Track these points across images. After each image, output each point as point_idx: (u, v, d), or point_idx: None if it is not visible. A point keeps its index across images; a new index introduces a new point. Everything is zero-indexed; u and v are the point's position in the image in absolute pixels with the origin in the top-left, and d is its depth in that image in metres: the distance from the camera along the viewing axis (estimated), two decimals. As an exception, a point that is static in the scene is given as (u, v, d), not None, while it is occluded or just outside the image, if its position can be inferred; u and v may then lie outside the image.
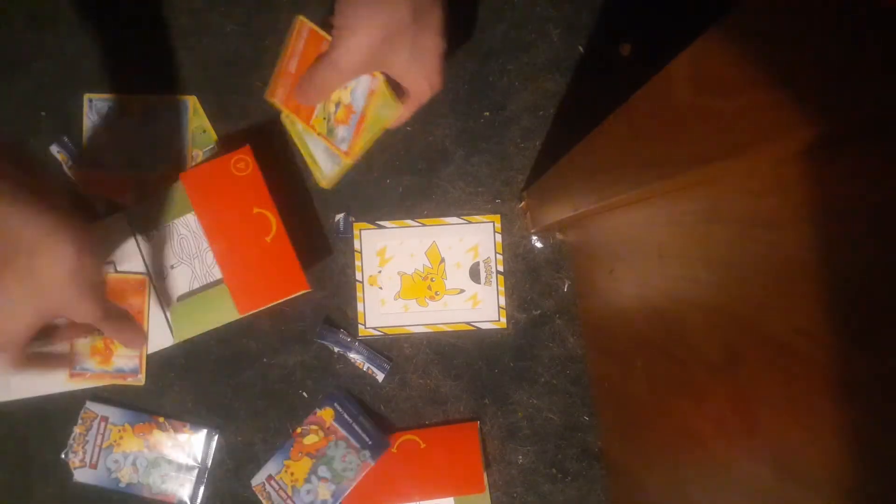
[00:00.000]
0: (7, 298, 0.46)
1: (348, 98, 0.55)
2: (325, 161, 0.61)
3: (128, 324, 0.56)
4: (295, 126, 0.61)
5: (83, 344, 0.62)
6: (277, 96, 0.59)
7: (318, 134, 0.59)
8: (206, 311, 0.69)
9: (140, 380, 0.67)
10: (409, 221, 0.74)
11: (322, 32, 0.54)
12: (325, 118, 0.57)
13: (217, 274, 0.70)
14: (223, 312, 0.69)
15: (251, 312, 0.67)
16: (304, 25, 0.55)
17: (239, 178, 0.66)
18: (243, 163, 0.66)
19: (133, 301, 0.66)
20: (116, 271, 0.66)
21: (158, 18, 0.75)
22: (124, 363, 0.66)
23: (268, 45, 0.74)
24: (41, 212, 0.46)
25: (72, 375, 0.61)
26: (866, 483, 0.26)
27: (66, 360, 0.66)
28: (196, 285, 0.70)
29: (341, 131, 0.57)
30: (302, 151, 0.62)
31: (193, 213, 0.69)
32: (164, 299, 0.69)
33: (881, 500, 0.26)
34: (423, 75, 0.51)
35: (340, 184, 0.65)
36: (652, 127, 0.39)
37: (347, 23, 0.46)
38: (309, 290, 0.67)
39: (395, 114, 0.56)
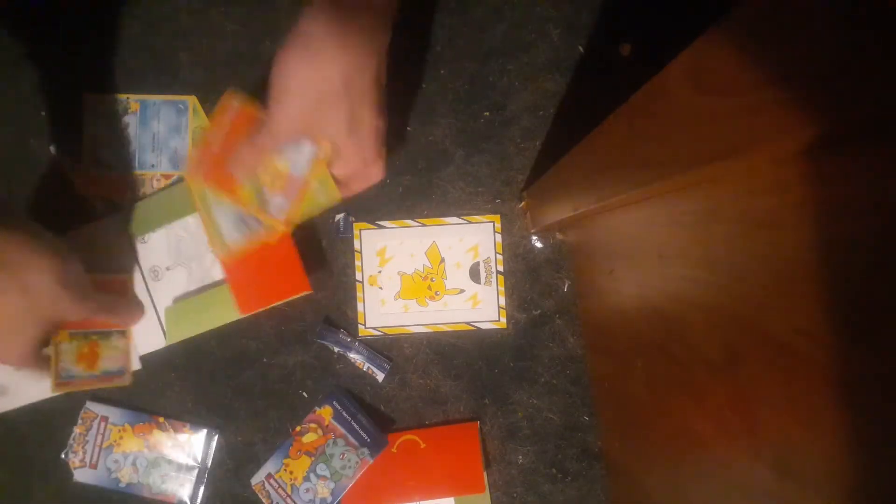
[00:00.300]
0: (7, 318, 0.49)
1: (287, 167, 0.53)
2: (230, 229, 0.58)
3: (120, 304, 0.58)
4: (201, 189, 0.57)
5: (68, 351, 0.60)
6: (199, 173, 0.55)
7: (240, 203, 0.55)
8: (201, 312, 0.69)
9: (125, 380, 0.66)
10: (409, 221, 0.74)
11: (252, 108, 0.53)
12: (255, 190, 0.54)
13: (215, 276, 0.70)
14: (218, 314, 0.68)
15: (251, 313, 0.67)
16: (229, 102, 0.54)
17: None
18: None
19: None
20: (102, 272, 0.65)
21: (158, 18, 0.75)
22: (110, 365, 0.65)
23: (268, 45, 0.74)
24: (16, 233, 0.48)
25: (57, 384, 0.59)
26: (866, 483, 0.26)
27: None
28: (192, 287, 0.70)
29: (278, 200, 0.55)
30: (202, 214, 0.58)
31: (194, 215, 0.69)
32: (158, 301, 0.69)
33: (881, 500, 0.26)
34: (358, 152, 0.50)
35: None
36: (652, 127, 0.39)
37: (281, 87, 0.45)
38: (310, 292, 0.67)
39: (330, 200, 0.54)
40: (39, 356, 0.55)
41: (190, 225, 0.70)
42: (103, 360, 0.64)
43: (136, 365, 0.69)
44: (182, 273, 0.69)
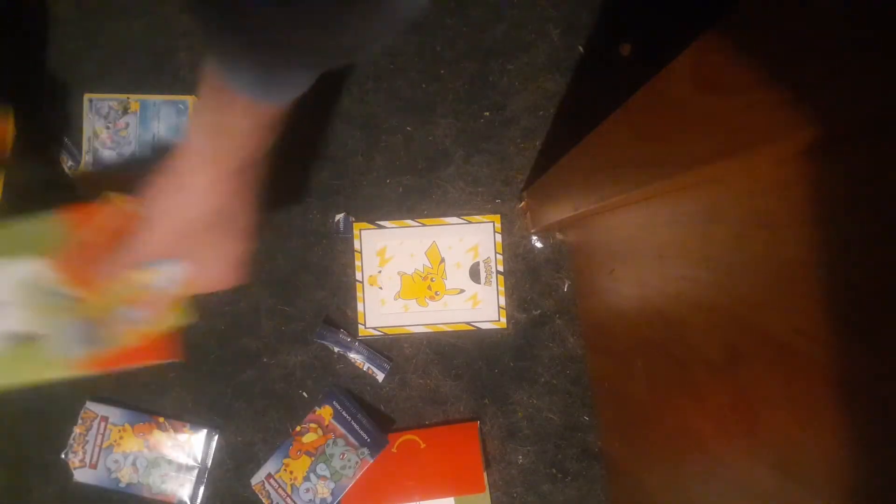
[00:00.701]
0: None
1: (150, 281, 0.51)
2: (70, 343, 0.53)
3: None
4: (47, 295, 0.53)
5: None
6: (64, 267, 0.52)
7: (92, 310, 0.52)
8: (21, 362, 0.54)
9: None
10: (409, 221, 0.74)
11: (132, 211, 0.49)
12: (114, 299, 0.52)
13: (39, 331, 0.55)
14: (38, 369, 0.54)
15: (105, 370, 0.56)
16: (114, 201, 0.52)
17: None
18: None
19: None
20: None
21: (158, 18, 0.75)
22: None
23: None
24: None
25: None
26: (866, 483, 0.26)
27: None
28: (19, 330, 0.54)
29: (135, 314, 0.53)
30: (40, 326, 0.53)
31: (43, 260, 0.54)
32: None
33: (881, 500, 0.26)
34: (217, 274, 0.51)
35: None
36: (652, 127, 0.39)
37: (154, 211, 0.46)
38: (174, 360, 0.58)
39: (182, 321, 0.54)
40: None
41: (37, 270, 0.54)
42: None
43: None
44: (13, 313, 0.54)
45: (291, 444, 0.71)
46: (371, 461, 0.69)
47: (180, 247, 0.49)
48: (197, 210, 0.45)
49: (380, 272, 0.74)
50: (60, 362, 0.53)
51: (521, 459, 0.73)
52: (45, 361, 0.54)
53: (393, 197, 0.75)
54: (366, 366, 0.73)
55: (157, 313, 0.53)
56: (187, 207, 0.46)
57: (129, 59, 0.74)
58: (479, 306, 0.74)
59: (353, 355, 0.73)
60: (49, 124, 0.74)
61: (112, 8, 0.74)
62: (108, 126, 0.73)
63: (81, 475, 0.70)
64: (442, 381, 0.74)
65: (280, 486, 0.70)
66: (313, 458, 0.70)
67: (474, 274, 0.75)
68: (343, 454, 0.70)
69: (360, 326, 0.74)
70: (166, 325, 0.54)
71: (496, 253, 0.74)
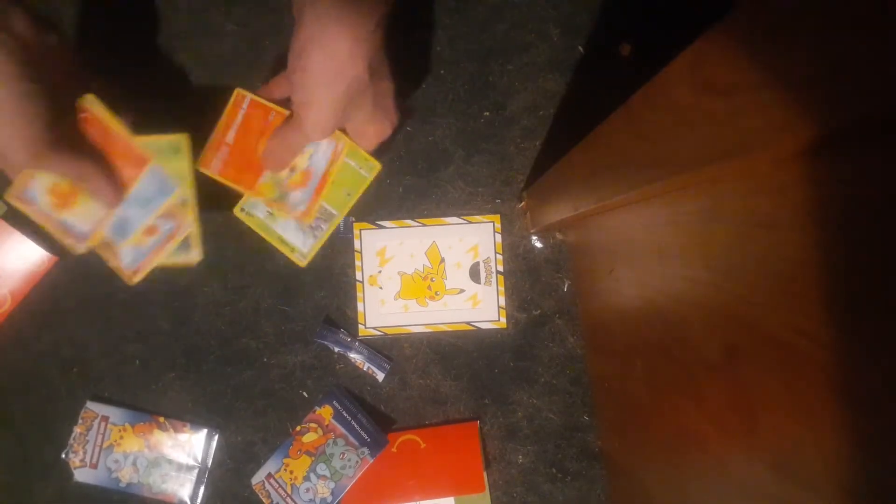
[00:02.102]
0: None
1: (305, 163, 0.54)
2: (297, 239, 0.59)
3: (94, 177, 0.48)
4: (253, 217, 0.57)
5: (45, 177, 0.50)
6: (212, 167, 0.54)
7: (280, 212, 0.56)
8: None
9: (81, 248, 0.52)
10: (409, 221, 0.74)
11: (265, 102, 0.53)
12: (275, 184, 0.55)
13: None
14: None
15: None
16: (242, 97, 0.54)
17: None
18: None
19: (127, 173, 0.52)
20: (133, 127, 0.52)
21: (158, 18, 0.75)
22: (78, 222, 0.52)
23: (268, 45, 0.74)
24: None
25: (16, 197, 0.49)
26: (866, 483, 0.26)
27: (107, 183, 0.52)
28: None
29: (297, 195, 0.55)
30: (268, 238, 0.58)
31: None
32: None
33: (881, 500, 0.26)
34: (385, 118, 0.52)
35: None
36: (652, 127, 0.39)
37: (307, 98, 0.46)
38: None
39: (373, 173, 0.56)
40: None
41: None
42: (74, 212, 0.52)
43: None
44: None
45: (291, 444, 0.71)
46: (371, 461, 0.69)
47: (345, 116, 0.48)
48: (352, 70, 0.44)
49: (380, 272, 0.74)
50: (303, 259, 0.58)
51: (521, 459, 0.73)
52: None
53: (393, 197, 0.75)
54: (366, 366, 0.73)
55: (318, 190, 0.55)
56: (343, 72, 0.44)
57: (130, 59, 0.74)
58: (479, 306, 0.74)
59: (353, 355, 0.73)
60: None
61: (112, 8, 0.74)
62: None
63: (81, 475, 0.70)
64: (442, 381, 0.74)
65: (280, 485, 0.70)
66: (313, 458, 0.70)
67: (474, 274, 0.75)
68: (343, 454, 0.70)
69: (360, 326, 0.74)
70: (356, 185, 0.57)
71: (496, 253, 0.74)
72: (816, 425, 0.29)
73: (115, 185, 0.50)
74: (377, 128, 0.52)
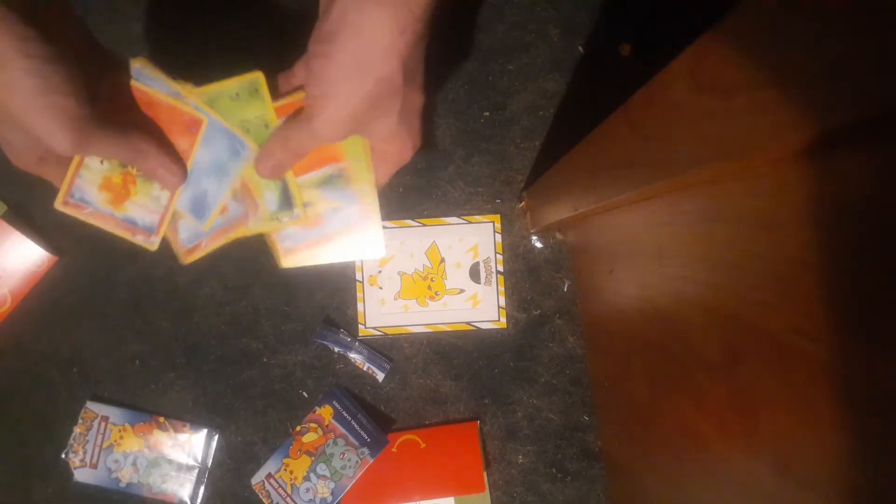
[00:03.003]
0: None
1: (324, 208, 0.46)
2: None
3: (151, 154, 0.41)
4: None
5: (94, 170, 0.44)
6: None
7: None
8: None
9: (153, 242, 0.46)
10: (409, 221, 0.74)
11: (285, 100, 0.44)
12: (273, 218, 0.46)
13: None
14: None
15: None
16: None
17: None
18: None
19: (181, 143, 0.45)
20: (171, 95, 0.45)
21: (158, 18, 0.75)
22: (141, 214, 0.46)
23: (267, 44, 0.74)
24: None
25: (65, 202, 0.44)
26: (866, 483, 0.26)
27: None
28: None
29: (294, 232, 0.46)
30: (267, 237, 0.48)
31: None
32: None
33: (881, 500, 0.26)
34: (408, 138, 0.43)
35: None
36: (652, 127, 0.39)
37: (325, 91, 0.38)
38: None
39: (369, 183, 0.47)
40: (49, 162, 0.42)
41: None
42: (134, 203, 0.46)
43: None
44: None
45: (291, 444, 0.71)
46: (371, 461, 0.69)
47: (366, 123, 0.40)
48: (383, 70, 0.36)
49: (380, 272, 0.74)
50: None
51: (521, 459, 0.73)
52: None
53: (393, 197, 0.75)
54: (366, 366, 0.73)
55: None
56: (372, 69, 0.36)
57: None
58: (479, 306, 0.74)
59: (353, 355, 0.73)
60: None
61: (112, 8, 0.74)
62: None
63: (81, 475, 0.70)
64: (442, 381, 0.74)
65: (280, 485, 0.70)
66: (313, 458, 0.70)
67: (474, 274, 0.75)
68: (343, 454, 0.70)
69: (360, 326, 0.74)
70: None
71: (496, 253, 0.74)
72: (816, 425, 0.29)
73: (174, 159, 0.42)
74: (398, 148, 0.43)
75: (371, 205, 0.46)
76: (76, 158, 0.43)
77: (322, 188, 0.45)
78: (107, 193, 0.45)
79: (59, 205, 0.44)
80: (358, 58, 0.36)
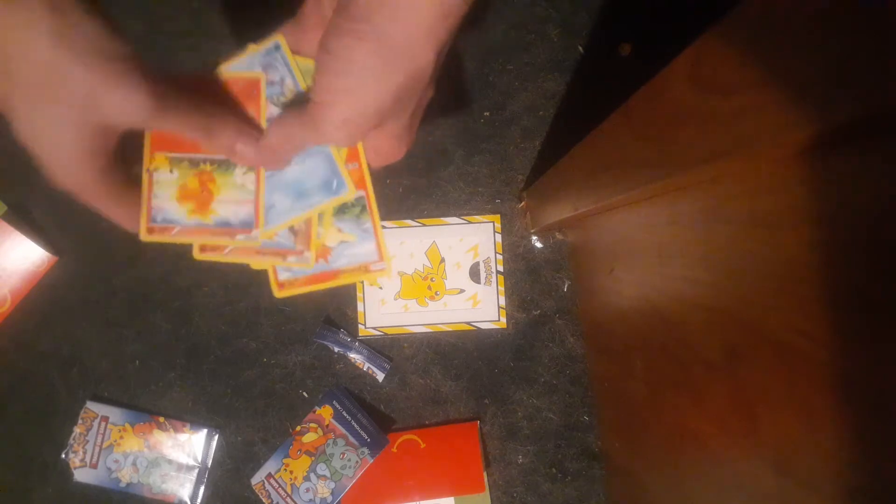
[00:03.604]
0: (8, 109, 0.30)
1: (334, 241, 0.41)
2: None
3: (225, 125, 0.35)
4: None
5: (167, 183, 0.38)
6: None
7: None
8: None
9: (256, 237, 0.39)
10: (409, 221, 0.74)
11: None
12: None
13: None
14: None
15: None
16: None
17: None
18: None
19: (248, 106, 0.39)
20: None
21: (159, 18, 0.75)
22: (232, 211, 0.39)
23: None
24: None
25: (150, 230, 0.38)
26: (866, 483, 0.26)
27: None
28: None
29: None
30: (254, 265, 0.40)
31: None
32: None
33: (881, 500, 0.26)
34: (407, 135, 0.37)
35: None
36: (652, 127, 0.39)
37: (344, 85, 0.31)
38: None
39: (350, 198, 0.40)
40: (114, 181, 0.34)
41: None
42: (220, 203, 0.40)
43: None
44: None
45: (291, 444, 0.71)
46: (371, 461, 0.69)
47: (375, 127, 0.34)
48: (409, 68, 0.30)
49: (380, 272, 0.74)
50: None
51: (521, 459, 0.73)
52: None
53: (393, 197, 0.75)
54: (366, 366, 0.73)
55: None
56: (389, 76, 0.30)
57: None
58: (479, 306, 0.74)
59: (353, 355, 0.73)
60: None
61: (112, 8, 0.74)
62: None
63: (81, 475, 0.70)
64: (442, 381, 0.74)
65: (280, 485, 0.70)
66: (313, 458, 0.70)
67: (474, 274, 0.75)
68: (343, 454, 0.70)
69: (360, 326, 0.74)
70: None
71: (496, 253, 0.74)
72: (816, 425, 0.29)
73: (253, 127, 0.36)
74: (396, 145, 0.37)
75: (381, 240, 0.40)
76: (145, 178, 0.38)
77: (337, 216, 0.39)
78: (189, 203, 0.39)
79: (144, 235, 0.38)
80: (393, 46, 0.29)
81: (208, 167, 0.39)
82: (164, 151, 0.38)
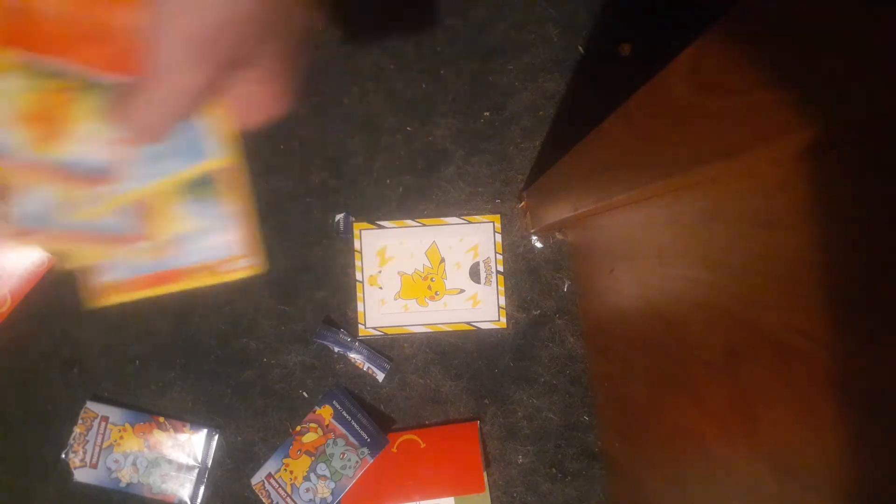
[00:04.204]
0: None
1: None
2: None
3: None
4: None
5: (5, 92, 0.25)
6: None
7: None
8: None
9: (122, 191, 0.27)
10: (409, 221, 0.74)
11: None
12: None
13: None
14: None
15: None
16: None
17: None
18: None
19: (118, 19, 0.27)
20: None
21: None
22: (89, 151, 0.26)
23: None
24: None
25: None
26: (866, 483, 0.26)
27: None
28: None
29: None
30: (75, 260, 0.29)
31: None
32: None
33: (881, 500, 0.26)
34: (286, 86, 0.29)
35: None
36: (652, 127, 0.39)
37: (154, 29, 0.23)
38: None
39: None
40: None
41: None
42: (75, 135, 0.26)
43: None
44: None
45: (291, 444, 0.71)
46: (371, 461, 0.69)
47: (202, 71, 0.24)
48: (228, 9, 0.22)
49: (380, 272, 0.74)
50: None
51: (521, 459, 0.73)
52: None
53: (393, 197, 0.75)
54: (366, 366, 0.73)
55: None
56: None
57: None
58: (479, 306, 0.74)
59: (353, 355, 0.73)
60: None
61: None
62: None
63: (81, 475, 0.70)
64: (442, 381, 0.74)
65: (280, 485, 0.70)
66: (313, 458, 0.70)
67: (474, 274, 0.75)
68: (343, 454, 0.70)
69: (360, 326, 0.74)
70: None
71: (496, 253, 0.74)
72: (816, 425, 0.29)
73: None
74: (266, 93, 0.29)
75: (249, 224, 0.29)
76: None
77: (187, 197, 0.28)
78: (34, 128, 0.26)
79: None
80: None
81: (71, 84, 0.26)
82: (19, 49, 0.25)
